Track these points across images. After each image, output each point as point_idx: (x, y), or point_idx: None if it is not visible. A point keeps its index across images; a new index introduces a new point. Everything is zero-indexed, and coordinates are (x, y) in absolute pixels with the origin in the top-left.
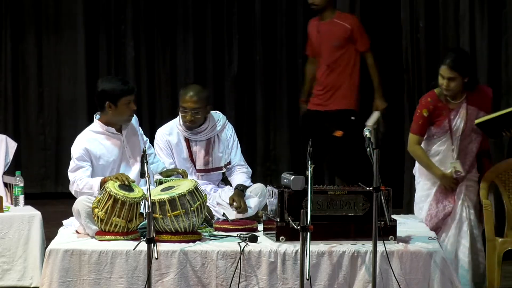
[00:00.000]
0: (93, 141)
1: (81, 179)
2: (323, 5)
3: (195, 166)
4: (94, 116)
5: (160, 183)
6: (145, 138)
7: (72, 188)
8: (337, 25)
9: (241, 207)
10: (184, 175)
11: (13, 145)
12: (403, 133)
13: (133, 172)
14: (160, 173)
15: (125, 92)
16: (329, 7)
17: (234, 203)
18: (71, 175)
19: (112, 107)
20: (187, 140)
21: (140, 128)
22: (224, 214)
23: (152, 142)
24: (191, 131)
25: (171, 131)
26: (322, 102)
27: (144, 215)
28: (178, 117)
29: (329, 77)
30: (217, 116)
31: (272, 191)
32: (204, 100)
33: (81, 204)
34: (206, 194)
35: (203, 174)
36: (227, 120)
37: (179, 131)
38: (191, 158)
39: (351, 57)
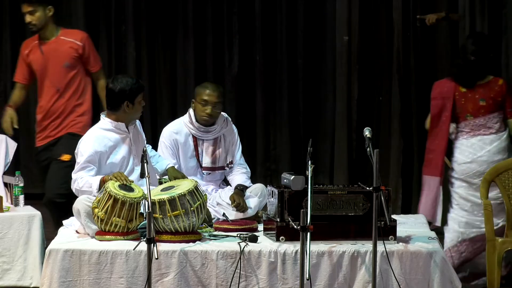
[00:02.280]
0: (102, 139)
1: (81, 178)
2: (43, 24)
3: (200, 165)
4: (101, 114)
5: (160, 183)
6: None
7: (73, 187)
8: (66, 43)
9: (241, 205)
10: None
11: (13, 145)
12: (393, 132)
13: (137, 171)
14: (167, 170)
15: (140, 90)
16: (50, 24)
17: (235, 202)
18: (73, 174)
19: (129, 106)
20: (195, 139)
21: (140, 130)
22: (224, 214)
23: (154, 141)
24: (202, 130)
25: (178, 130)
26: (51, 133)
27: (144, 215)
28: (186, 115)
29: (58, 102)
30: (223, 116)
31: (272, 191)
32: (222, 97)
33: (81, 204)
34: (206, 194)
35: (209, 172)
36: (230, 121)
37: (188, 130)
38: (197, 157)
39: (82, 78)
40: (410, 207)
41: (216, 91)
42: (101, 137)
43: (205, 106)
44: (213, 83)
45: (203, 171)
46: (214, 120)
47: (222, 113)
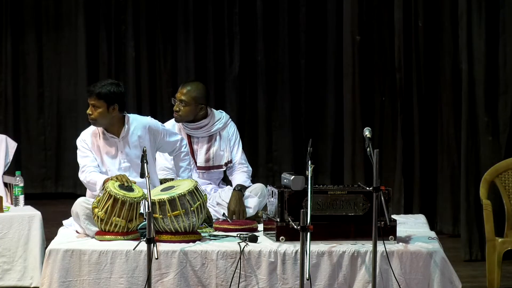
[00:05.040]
0: (94, 140)
1: (90, 172)
2: None
3: (195, 163)
4: None
5: (161, 182)
6: (180, 141)
7: (81, 176)
8: None
9: (240, 215)
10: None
11: (13, 145)
12: (396, 132)
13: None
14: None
15: (87, 92)
16: None
17: (234, 216)
18: (81, 161)
19: None
20: (188, 137)
21: (153, 134)
22: (224, 214)
23: None
24: (190, 127)
25: (173, 127)
26: None
27: (144, 215)
28: None
29: None
30: (220, 114)
31: (272, 191)
32: (193, 97)
33: (79, 207)
34: (206, 194)
35: (204, 171)
36: (230, 119)
37: (181, 128)
38: (192, 154)
39: None
40: (411, 207)
41: (184, 88)
42: (92, 135)
43: (174, 102)
44: (195, 84)
45: (198, 170)
46: (181, 117)
47: (221, 112)
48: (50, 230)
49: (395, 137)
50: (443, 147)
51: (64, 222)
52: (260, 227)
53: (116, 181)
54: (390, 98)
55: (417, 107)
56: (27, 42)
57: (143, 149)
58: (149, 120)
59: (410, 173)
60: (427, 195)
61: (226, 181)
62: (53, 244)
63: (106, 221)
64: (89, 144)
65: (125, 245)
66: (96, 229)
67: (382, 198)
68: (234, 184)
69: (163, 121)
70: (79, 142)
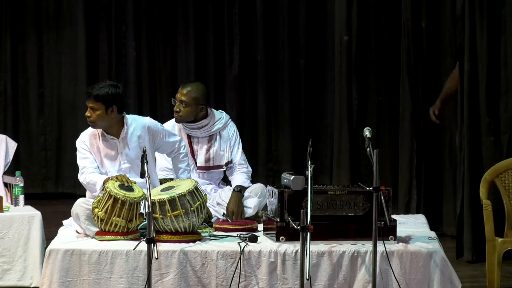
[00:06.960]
0: (93, 141)
1: (89, 173)
2: None
3: (196, 163)
4: None
5: (161, 183)
6: (179, 142)
7: (80, 177)
8: None
9: (239, 216)
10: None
11: (13, 145)
12: (392, 131)
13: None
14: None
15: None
16: None
17: (233, 217)
18: (80, 163)
19: None
20: (189, 137)
21: (153, 135)
22: (224, 214)
23: None
24: (191, 127)
25: (173, 128)
26: None
27: (144, 215)
28: None
29: None
30: (220, 114)
31: (272, 191)
32: (193, 98)
33: (79, 207)
34: (206, 194)
35: (204, 171)
36: (230, 119)
37: (181, 128)
38: (192, 155)
39: None
40: (420, 208)
41: (184, 89)
42: (92, 136)
43: (174, 103)
44: (195, 85)
45: (198, 170)
46: (181, 118)
47: (221, 112)
48: (50, 230)
49: (392, 136)
50: (445, 147)
51: (64, 222)
52: (260, 227)
53: (116, 181)
54: (390, 98)
55: (419, 107)
56: (27, 42)
57: (143, 149)
58: (148, 120)
59: (420, 175)
60: (430, 196)
61: (226, 181)
62: (53, 244)
63: (106, 221)
64: (88, 146)
65: (125, 245)
66: (96, 229)
67: (382, 198)
68: (233, 185)
69: (163, 121)
70: (78, 143)
